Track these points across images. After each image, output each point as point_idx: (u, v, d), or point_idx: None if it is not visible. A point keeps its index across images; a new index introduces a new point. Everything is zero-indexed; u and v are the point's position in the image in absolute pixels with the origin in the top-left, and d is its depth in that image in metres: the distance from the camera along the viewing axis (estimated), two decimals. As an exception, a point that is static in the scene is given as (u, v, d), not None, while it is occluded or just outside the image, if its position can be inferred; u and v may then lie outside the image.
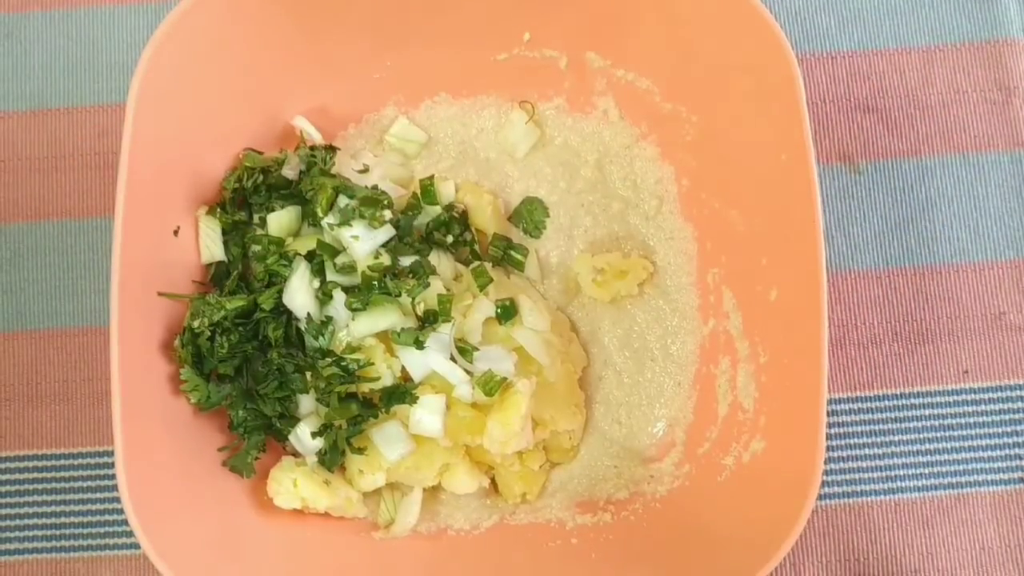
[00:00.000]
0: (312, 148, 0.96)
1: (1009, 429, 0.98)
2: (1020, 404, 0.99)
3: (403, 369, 0.89)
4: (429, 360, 0.88)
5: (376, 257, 0.90)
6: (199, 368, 0.88)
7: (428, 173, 0.99)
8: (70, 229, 1.02)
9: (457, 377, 0.89)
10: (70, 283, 1.01)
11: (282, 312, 0.90)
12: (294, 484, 0.88)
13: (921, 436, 0.99)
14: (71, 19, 1.06)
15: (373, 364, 0.88)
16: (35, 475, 0.99)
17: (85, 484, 0.98)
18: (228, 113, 0.92)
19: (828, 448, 0.96)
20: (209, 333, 0.88)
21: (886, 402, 0.99)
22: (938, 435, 0.99)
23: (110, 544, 0.97)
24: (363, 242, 0.89)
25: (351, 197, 0.91)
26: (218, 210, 0.93)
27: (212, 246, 0.92)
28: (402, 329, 0.88)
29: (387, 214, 0.90)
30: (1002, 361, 1.00)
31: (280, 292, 0.90)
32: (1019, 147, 1.03)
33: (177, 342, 0.88)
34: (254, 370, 0.91)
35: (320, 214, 0.91)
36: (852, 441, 0.99)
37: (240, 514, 0.89)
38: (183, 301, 0.89)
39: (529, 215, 0.99)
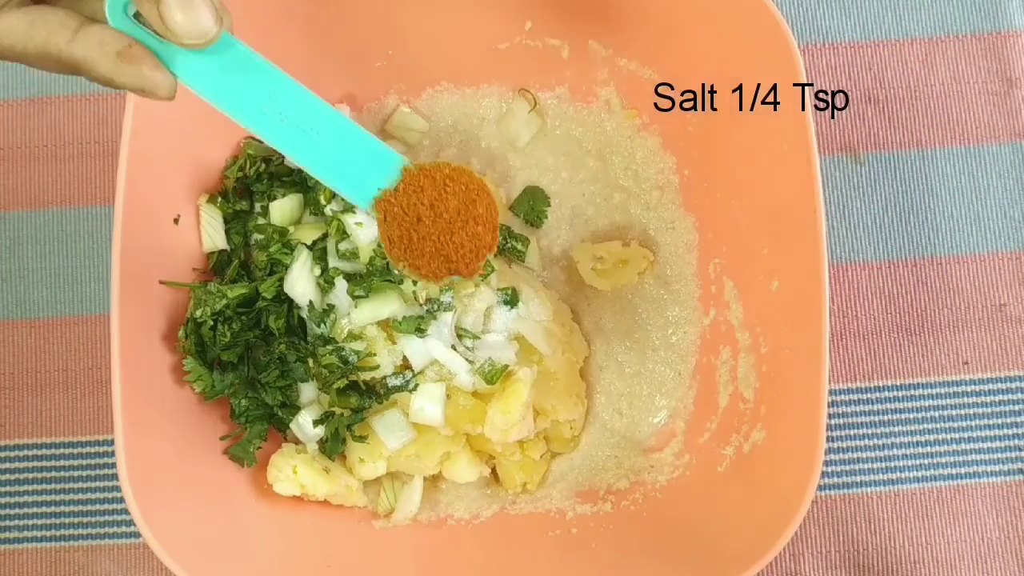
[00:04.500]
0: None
1: (1009, 420, 0.98)
2: (1020, 396, 0.99)
3: (404, 357, 0.89)
4: (430, 348, 0.88)
5: (380, 244, 0.90)
6: (202, 358, 0.88)
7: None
8: (70, 217, 1.02)
9: (458, 365, 0.89)
10: (70, 271, 1.01)
11: (283, 300, 0.90)
12: (294, 471, 0.88)
13: (921, 427, 0.99)
14: (71, 7, 1.05)
15: (374, 355, 0.88)
16: (35, 464, 0.99)
17: (85, 473, 0.98)
18: (229, 101, 0.92)
19: (828, 439, 0.96)
20: (212, 322, 0.88)
21: (886, 393, 0.99)
22: (938, 426, 0.99)
23: (110, 533, 0.98)
24: (367, 228, 0.89)
25: (354, 185, 0.91)
26: (219, 199, 0.93)
27: (214, 235, 0.92)
28: (403, 317, 0.88)
29: (390, 201, 0.90)
30: (1003, 352, 1.00)
31: (282, 280, 0.90)
32: (1020, 138, 1.03)
33: (181, 333, 0.87)
34: (256, 359, 0.91)
35: (323, 201, 0.91)
36: (852, 432, 0.99)
37: (240, 502, 0.89)
38: (184, 289, 0.89)
39: (530, 204, 0.99)
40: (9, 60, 0.61)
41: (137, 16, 0.62)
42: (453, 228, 0.73)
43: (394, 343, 0.89)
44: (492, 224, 0.74)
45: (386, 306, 0.88)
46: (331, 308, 0.89)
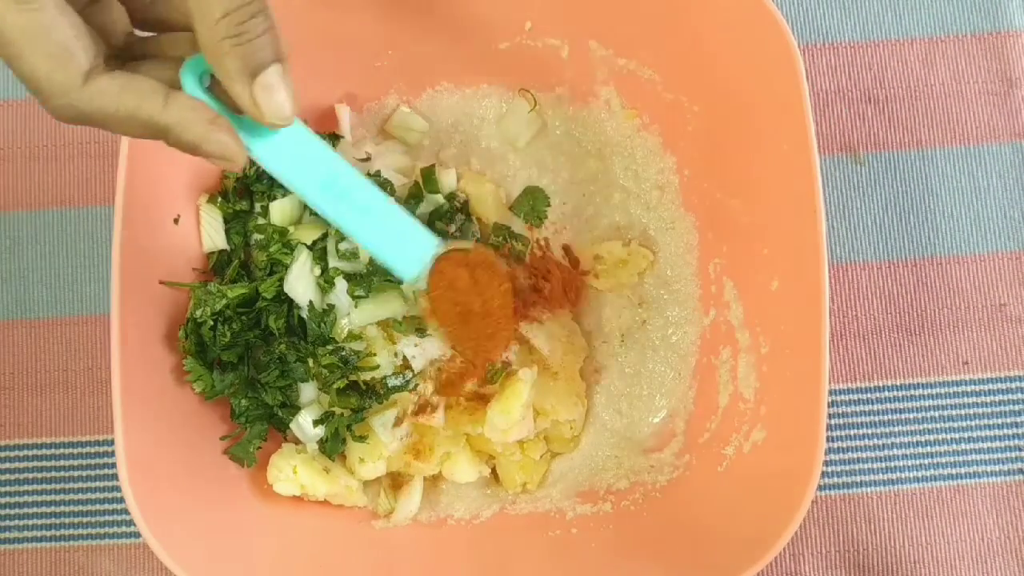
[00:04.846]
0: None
1: (1009, 420, 0.98)
2: (1020, 396, 0.99)
3: (404, 357, 0.89)
4: (430, 348, 0.88)
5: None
6: (202, 358, 0.88)
7: (430, 162, 0.98)
8: (70, 218, 1.02)
9: (458, 366, 0.89)
10: (70, 272, 1.01)
11: (283, 300, 0.90)
12: (294, 471, 0.88)
13: (921, 427, 0.99)
14: (71, 7, 1.05)
15: (374, 355, 0.88)
16: (35, 464, 0.98)
17: (85, 473, 0.98)
18: (229, 101, 0.92)
19: (828, 439, 0.96)
20: (211, 322, 0.88)
21: (886, 393, 0.99)
22: (938, 426, 0.99)
23: (110, 533, 0.97)
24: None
25: (354, 184, 0.91)
26: (219, 199, 0.93)
27: (214, 235, 0.92)
28: (403, 317, 0.88)
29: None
30: (1003, 352, 1.00)
31: (282, 280, 0.90)
32: (1020, 138, 1.03)
33: (181, 333, 0.88)
34: (256, 359, 0.91)
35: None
36: (852, 432, 0.99)
37: (240, 502, 0.89)
38: (183, 289, 0.89)
39: (531, 204, 0.99)
40: (93, 123, 0.62)
41: (208, 90, 0.65)
42: (488, 324, 0.85)
43: (394, 343, 0.89)
44: (510, 313, 0.87)
45: (386, 306, 0.88)
46: (331, 308, 0.89)
